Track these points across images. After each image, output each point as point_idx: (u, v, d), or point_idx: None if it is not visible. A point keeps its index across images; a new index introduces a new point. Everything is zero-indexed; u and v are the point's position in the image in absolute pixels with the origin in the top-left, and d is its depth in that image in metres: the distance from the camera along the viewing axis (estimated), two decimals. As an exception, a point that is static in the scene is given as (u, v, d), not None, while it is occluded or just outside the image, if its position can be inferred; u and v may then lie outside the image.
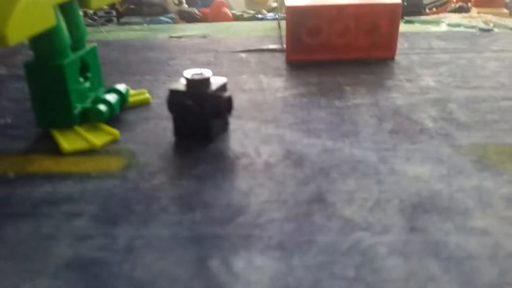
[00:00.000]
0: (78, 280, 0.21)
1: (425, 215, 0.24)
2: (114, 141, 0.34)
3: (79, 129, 0.35)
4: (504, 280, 0.20)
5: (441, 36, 0.63)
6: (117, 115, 0.38)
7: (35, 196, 0.27)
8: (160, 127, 0.36)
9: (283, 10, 0.57)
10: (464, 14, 0.78)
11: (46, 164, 0.31)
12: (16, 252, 0.23)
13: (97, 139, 0.34)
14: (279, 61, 0.54)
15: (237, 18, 1.04)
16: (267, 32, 0.71)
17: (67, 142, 0.34)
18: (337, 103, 0.40)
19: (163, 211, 0.25)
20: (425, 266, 0.21)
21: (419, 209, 0.25)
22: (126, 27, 0.85)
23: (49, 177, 0.29)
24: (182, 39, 0.68)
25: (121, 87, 0.39)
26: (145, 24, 0.91)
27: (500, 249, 0.22)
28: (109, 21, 0.98)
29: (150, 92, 0.43)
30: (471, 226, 0.23)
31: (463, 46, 0.57)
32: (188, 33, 0.72)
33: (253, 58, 0.55)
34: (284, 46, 0.54)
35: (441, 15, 0.80)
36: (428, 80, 0.45)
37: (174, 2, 1.03)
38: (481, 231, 0.23)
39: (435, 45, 0.58)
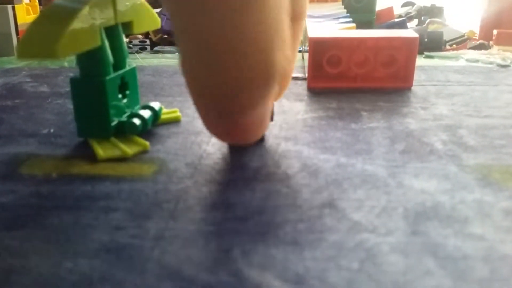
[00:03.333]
0: (114, 260, 0.23)
1: (427, 222, 0.26)
2: (145, 151, 0.38)
3: (114, 139, 0.39)
4: (494, 277, 0.22)
5: (458, 70, 0.66)
6: (151, 129, 0.42)
7: (76, 193, 0.31)
8: (189, 141, 0.40)
9: (307, 43, 0.61)
10: (483, 51, 0.81)
11: (85, 167, 0.35)
12: (59, 237, 0.26)
13: (129, 148, 0.37)
14: (301, 88, 0.57)
15: (263, 50, 1.09)
16: (291, 62, 0.75)
17: (102, 150, 0.37)
18: (353, 125, 0.43)
19: (189, 210, 0.28)
20: (423, 262, 0.23)
21: (422, 216, 0.27)
22: (159, 55, 0.90)
23: (88, 178, 0.33)
24: (211, 67, 0.72)
25: (155, 104, 0.43)
26: (177, 53, 0.96)
27: (494, 252, 0.24)
28: (143, 49, 1.04)
29: (180, 111, 0.47)
30: (469, 232, 0.25)
31: (478, 79, 0.60)
32: (217, 62, 0.76)
33: (276, 84, 0.59)
34: (306, 74, 0.58)
35: (461, 51, 0.82)
36: (442, 108, 0.48)
37: (204, 34, 1.09)
38: (478, 237, 0.25)
39: (452, 78, 0.61)
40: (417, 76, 0.60)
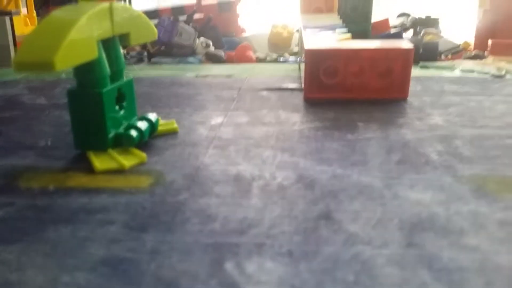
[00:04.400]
0: (111, 274, 0.23)
1: (422, 233, 0.27)
2: (143, 163, 0.38)
3: (111, 151, 0.39)
4: (489, 288, 0.22)
5: (453, 81, 0.66)
6: (148, 141, 0.42)
7: (73, 206, 0.31)
8: (186, 152, 0.40)
9: (303, 54, 0.61)
10: (478, 61, 0.82)
11: (82, 180, 0.35)
12: (57, 251, 0.26)
13: (126, 160, 0.38)
14: (298, 98, 0.57)
15: (260, 61, 1.09)
16: (287, 73, 0.75)
17: (99, 162, 0.37)
18: (349, 136, 0.43)
19: (186, 222, 0.28)
20: (419, 275, 0.23)
21: (418, 228, 0.27)
22: (157, 66, 0.91)
23: (86, 191, 0.33)
24: (208, 78, 0.73)
25: (152, 116, 0.43)
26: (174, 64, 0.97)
27: (489, 263, 0.24)
28: (140, 60, 1.05)
29: (177, 123, 0.47)
30: (464, 243, 0.25)
31: (474, 89, 0.60)
32: (214, 73, 0.77)
33: (273, 95, 0.59)
34: (303, 85, 0.58)
35: (456, 61, 0.83)
36: (437, 119, 0.48)
37: (202, 45, 1.10)
38: (473, 248, 0.25)
39: (447, 89, 0.61)
40: (413, 87, 0.61)
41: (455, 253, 0.25)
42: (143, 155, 0.39)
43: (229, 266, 0.24)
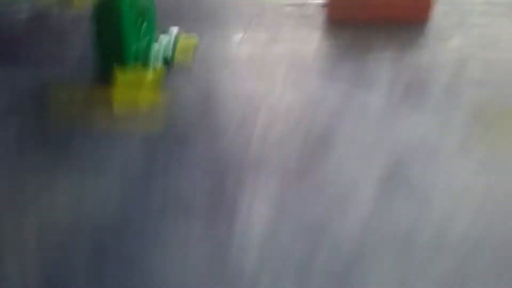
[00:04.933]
0: (127, 183, 0.27)
1: (410, 156, 0.28)
2: (161, 78, 0.40)
3: (132, 66, 0.41)
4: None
5: (485, 1, 0.63)
6: (167, 56, 0.44)
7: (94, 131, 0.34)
8: (203, 70, 0.42)
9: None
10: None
11: (106, 96, 0.37)
12: (81, 163, 0.29)
13: (147, 74, 0.40)
14: (320, 17, 0.57)
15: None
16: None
17: (121, 75, 0.39)
18: (364, 56, 0.44)
19: (197, 137, 0.31)
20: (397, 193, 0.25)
21: (407, 152, 0.29)
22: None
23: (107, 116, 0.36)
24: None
25: (173, 33, 0.45)
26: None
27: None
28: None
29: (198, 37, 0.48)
30: (448, 167, 0.27)
31: (504, 10, 0.58)
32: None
33: (296, 12, 0.59)
34: (326, 1, 0.57)
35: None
36: (457, 41, 0.47)
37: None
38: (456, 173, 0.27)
39: (476, 9, 0.59)
40: (440, 6, 0.59)
41: (448, 177, 0.27)
42: (161, 70, 0.41)
43: (227, 182, 0.27)
